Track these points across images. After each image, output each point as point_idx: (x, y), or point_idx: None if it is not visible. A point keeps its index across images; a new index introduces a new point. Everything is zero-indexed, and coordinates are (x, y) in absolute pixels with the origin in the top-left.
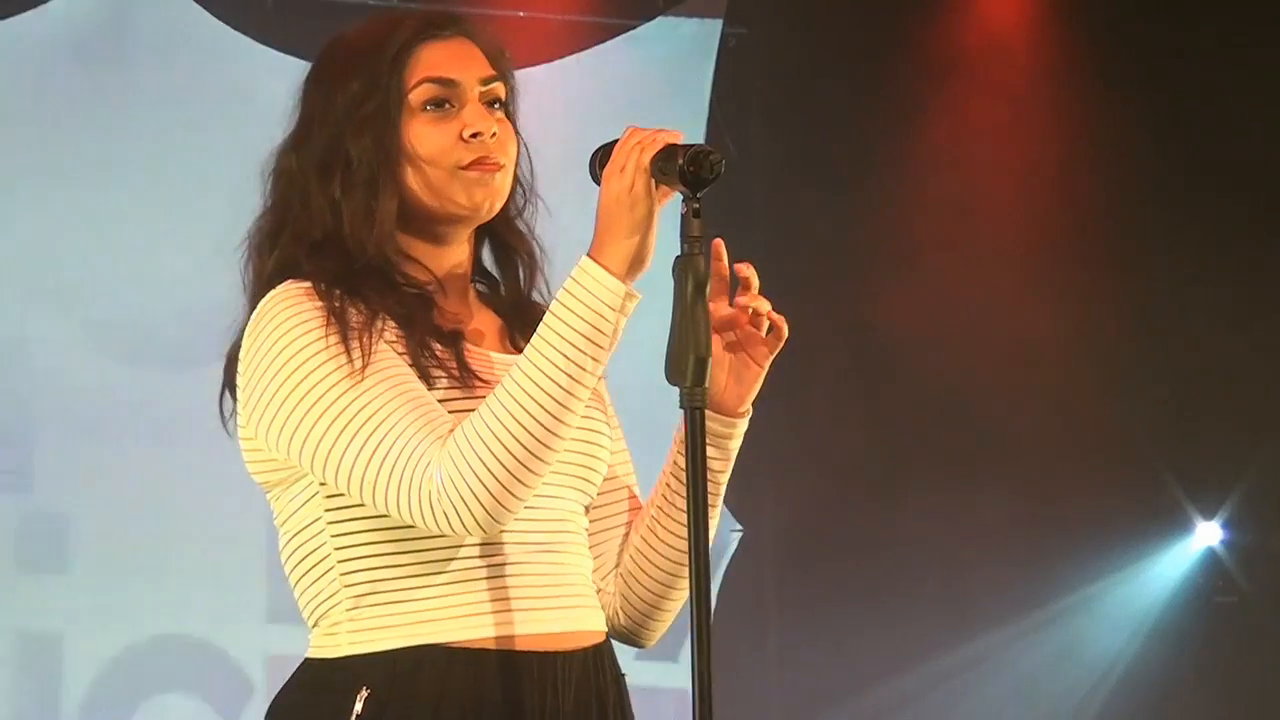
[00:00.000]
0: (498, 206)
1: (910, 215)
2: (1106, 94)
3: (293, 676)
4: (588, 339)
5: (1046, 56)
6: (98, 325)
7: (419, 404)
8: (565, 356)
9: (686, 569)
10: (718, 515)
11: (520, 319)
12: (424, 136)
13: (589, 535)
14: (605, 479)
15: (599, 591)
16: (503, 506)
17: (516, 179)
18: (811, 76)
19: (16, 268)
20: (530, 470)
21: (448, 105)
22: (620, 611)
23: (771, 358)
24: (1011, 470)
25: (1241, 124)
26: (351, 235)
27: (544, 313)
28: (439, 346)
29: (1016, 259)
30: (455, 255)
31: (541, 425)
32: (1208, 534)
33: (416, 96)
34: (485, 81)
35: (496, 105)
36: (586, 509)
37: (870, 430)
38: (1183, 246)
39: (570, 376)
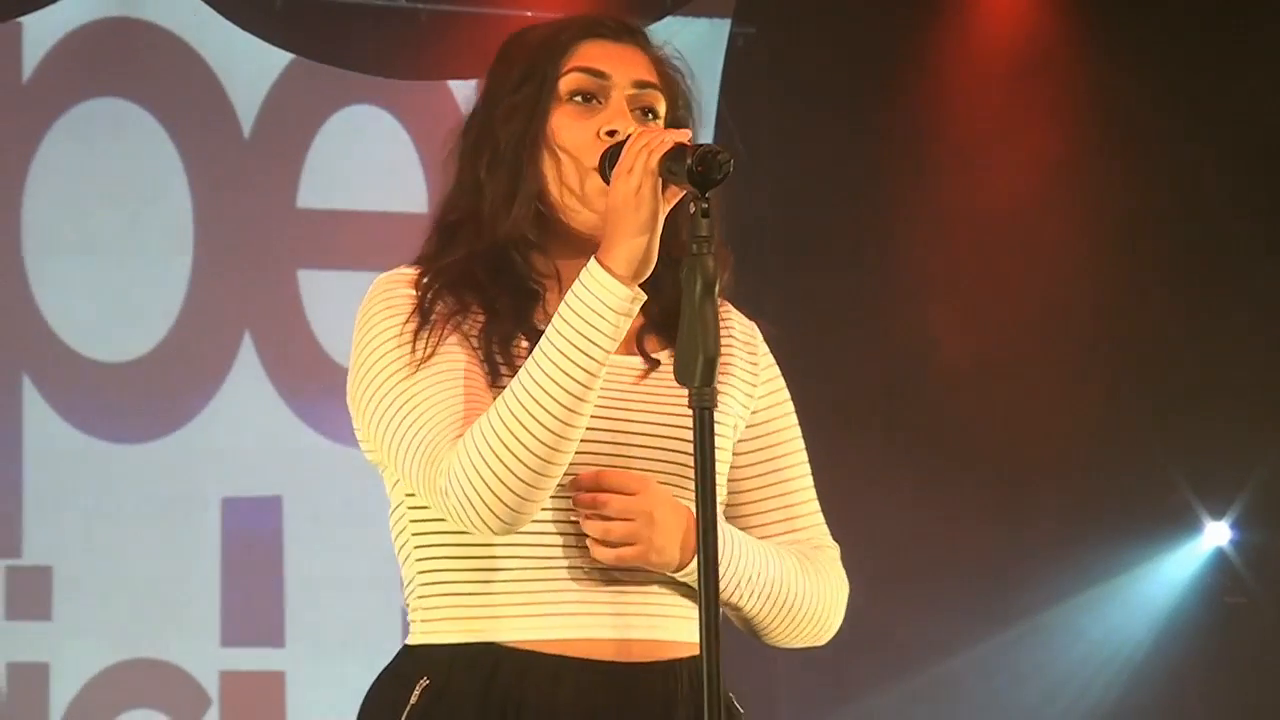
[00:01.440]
0: None
1: (922, 216)
2: (1124, 87)
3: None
4: (589, 340)
5: (1060, 52)
6: (79, 403)
7: (458, 400)
8: (566, 357)
9: (764, 619)
10: None
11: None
12: (564, 126)
13: None
14: (732, 493)
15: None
16: (509, 508)
17: None
18: (821, 75)
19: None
20: (535, 472)
21: (595, 100)
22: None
23: None
24: (1020, 470)
25: (1259, 120)
26: (490, 214)
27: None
28: (523, 343)
29: (1028, 258)
30: (589, 249)
31: (544, 427)
32: (1217, 534)
33: (565, 85)
34: (640, 85)
35: (650, 115)
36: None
37: (879, 430)
38: (1195, 245)
39: (571, 377)
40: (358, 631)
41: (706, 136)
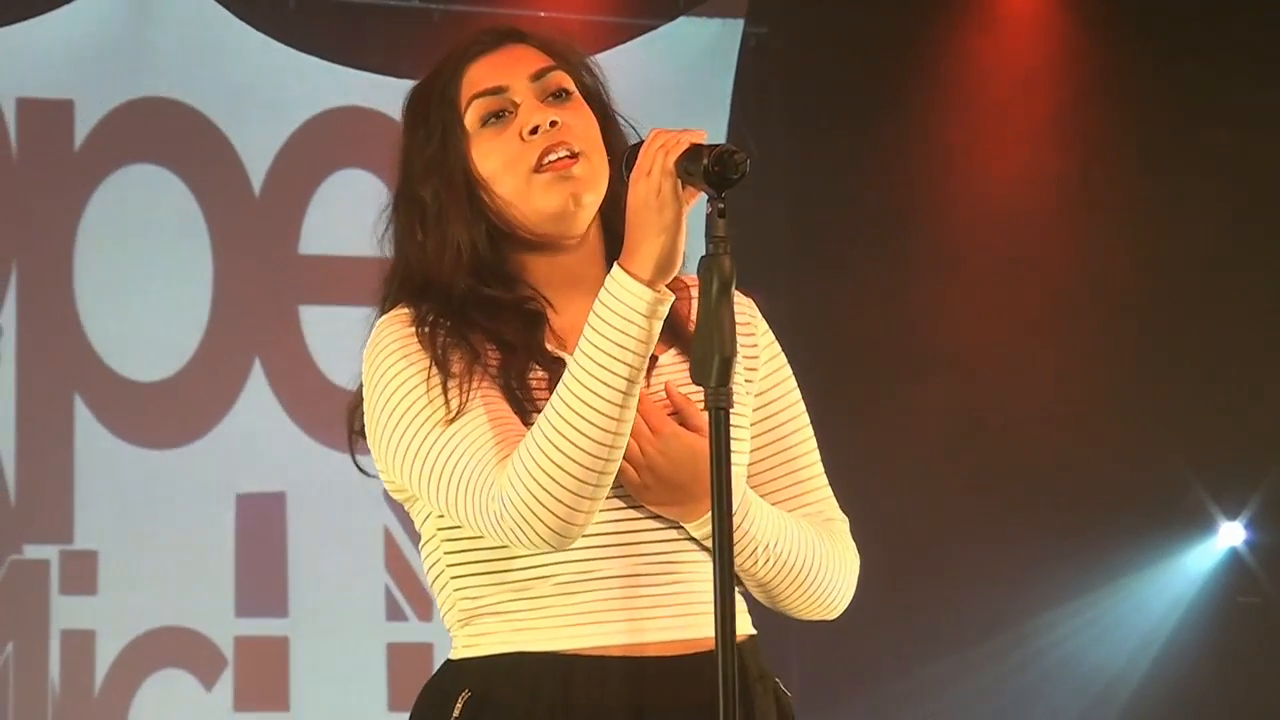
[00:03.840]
0: (590, 198)
1: (931, 214)
2: (1136, 89)
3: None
4: (621, 346)
5: (1077, 54)
6: (120, 416)
7: (497, 432)
8: (602, 366)
9: (778, 587)
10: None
11: None
12: (487, 153)
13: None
14: (750, 476)
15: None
16: (565, 522)
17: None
18: (833, 75)
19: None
20: (586, 483)
21: (505, 114)
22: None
23: None
24: (1033, 469)
25: (1273, 115)
26: (440, 273)
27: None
28: (539, 374)
29: (1037, 257)
30: (576, 257)
31: (589, 439)
32: (1231, 534)
33: (472, 118)
34: (537, 75)
35: (563, 95)
36: None
37: (892, 429)
38: (1206, 243)
39: (608, 385)
40: (347, 603)
41: (718, 136)
